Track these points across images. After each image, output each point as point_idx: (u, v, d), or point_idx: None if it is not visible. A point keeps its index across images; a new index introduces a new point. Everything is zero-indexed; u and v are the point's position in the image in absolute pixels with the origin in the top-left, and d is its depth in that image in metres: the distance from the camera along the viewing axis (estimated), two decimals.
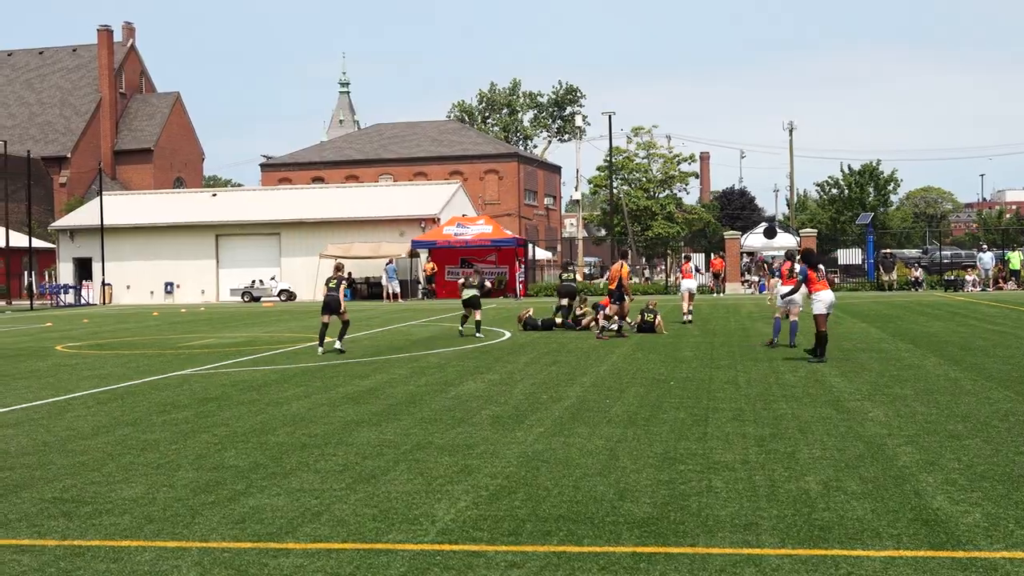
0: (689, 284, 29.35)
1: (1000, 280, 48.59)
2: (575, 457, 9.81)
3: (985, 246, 54.96)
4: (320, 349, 21.94)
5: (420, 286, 53.95)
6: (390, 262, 52.42)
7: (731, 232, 57.45)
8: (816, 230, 58.61)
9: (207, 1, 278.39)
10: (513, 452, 10.14)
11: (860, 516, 7.39)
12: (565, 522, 7.43)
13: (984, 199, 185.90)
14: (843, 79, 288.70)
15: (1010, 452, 9.54)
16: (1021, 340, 21.24)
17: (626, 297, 24.81)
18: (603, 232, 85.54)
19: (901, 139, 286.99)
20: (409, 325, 31.36)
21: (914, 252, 76.44)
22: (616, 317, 24.78)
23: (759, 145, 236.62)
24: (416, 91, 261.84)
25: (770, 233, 52.40)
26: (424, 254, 53.90)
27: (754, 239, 55.15)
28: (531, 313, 28.26)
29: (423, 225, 55.19)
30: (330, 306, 22.24)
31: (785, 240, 52.68)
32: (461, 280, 30.36)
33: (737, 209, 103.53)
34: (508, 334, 26.31)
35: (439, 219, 55.13)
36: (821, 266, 19.41)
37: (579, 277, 29.62)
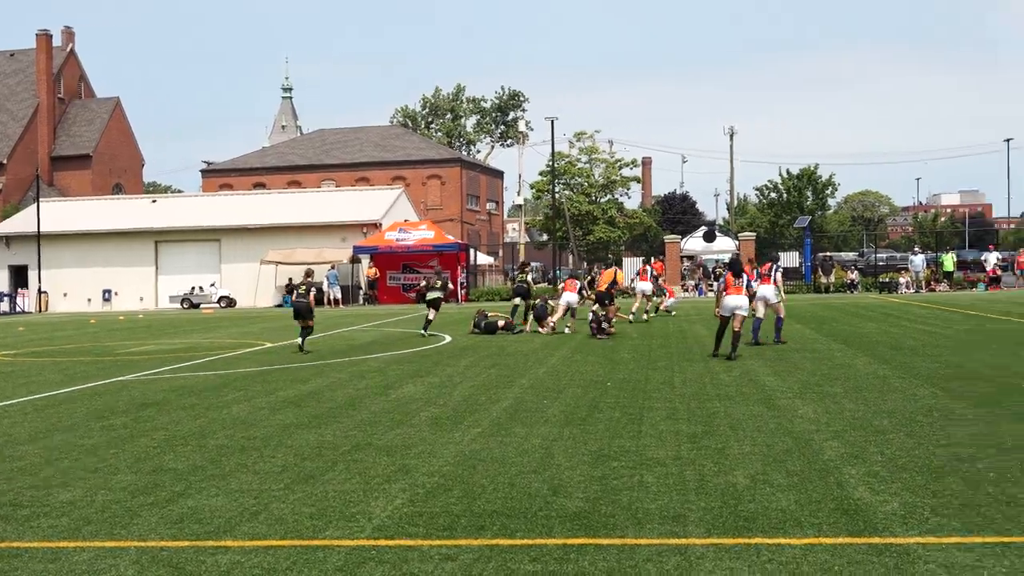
0: (644, 287, 31.29)
1: (933, 282, 49.50)
2: (511, 456, 10.00)
3: (917, 249, 55.93)
4: (302, 350, 22.97)
5: (362, 292, 53.88)
6: (332, 268, 52.30)
7: (671, 236, 58.01)
8: (755, 233, 59.30)
9: (149, 6, 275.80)
10: (450, 452, 10.30)
11: (784, 507, 7.64)
12: (499, 517, 7.61)
13: (921, 203, 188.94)
14: (784, 84, 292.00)
15: (931, 445, 9.86)
16: (949, 339, 21.75)
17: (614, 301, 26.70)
18: (545, 237, 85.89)
19: (840, 143, 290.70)
20: (351, 330, 31.38)
21: (851, 255, 77.61)
22: (604, 318, 25.70)
23: (701, 150, 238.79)
24: (360, 97, 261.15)
25: (709, 237, 53.00)
26: (366, 260, 53.84)
27: (694, 243, 55.73)
28: (488, 315, 28.31)
29: (365, 231, 55.13)
30: (300, 312, 23.28)
31: (724, 244, 53.30)
32: (424, 283, 31.84)
33: (679, 213, 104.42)
34: (449, 338, 26.44)
35: (381, 225, 55.11)
36: (744, 274, 19.87)
37: (529, 278, 30.39)
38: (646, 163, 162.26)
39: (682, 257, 55.72)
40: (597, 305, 26.56)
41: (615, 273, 27.67)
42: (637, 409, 12.83)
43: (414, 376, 17.52)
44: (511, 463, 9.63)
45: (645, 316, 30.79)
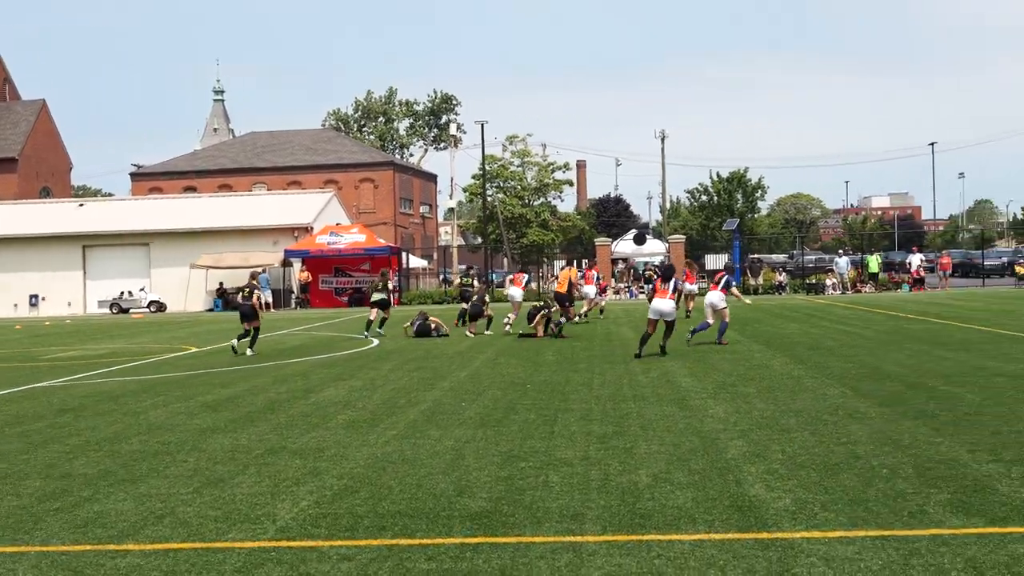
0: (589, 289, 32.75)
1: (859, 283, 50.35)
2: (422, 457, 10.11)
3: (842, 251, 56.86)
4: (249, 351, 23.38)
5: (294, 295, 53.66)
6: (263, 271, 52.02)
7: (602, 239, 58.42)
8: (685, 236, 59.92)
9: (76, 7, 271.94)
10: (363, 454, 10.39)
11: (680, 504, 7.83)
12: (401, 517, 7.73)
13: (853, 205, 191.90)
14: (716, 88, 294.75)
15: (832, 443, 10.12)
16: (866, 339, 22.20)
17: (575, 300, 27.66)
18: (479, 240, 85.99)
19: (770, 147, 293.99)
20: (280, 334, 31.28)
21: (781, 257, 78.71)
22: (563, 318, 26.30)
23: (634, 153, 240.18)
24: (293, 100, 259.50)
25: (640, 240, 53.50)
26: (297, 263, 53.64)
27: (624, 245, 56.21)
28: (429, 318, 28.34)
29: (296, 234, 54.93)
30: (245, 315, 23.77)
31: (654, 246, 53.79)
32: (367, 286, 32.41)
33: (613, 216, 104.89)
34: (376, 342, 26.48)
35: (312, 228, 54.94)
36: (674, 279, 20.37)
37: (476, 283, 31.09)
38: (581, 166, 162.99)
39: (613, 260, 56.12)
40: (557, 307, 26.85)
41: (571, 271, 28.23)
42: (552, 411, 12.99)
43: (336, 380, 17.57)
44: (421, 465, 9.74)
45: (586, 319, 31.78)
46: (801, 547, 6.63)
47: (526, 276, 30.66)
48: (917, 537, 6.76)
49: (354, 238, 53.11)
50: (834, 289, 48.97)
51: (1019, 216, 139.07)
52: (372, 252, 52.67)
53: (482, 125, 62.23)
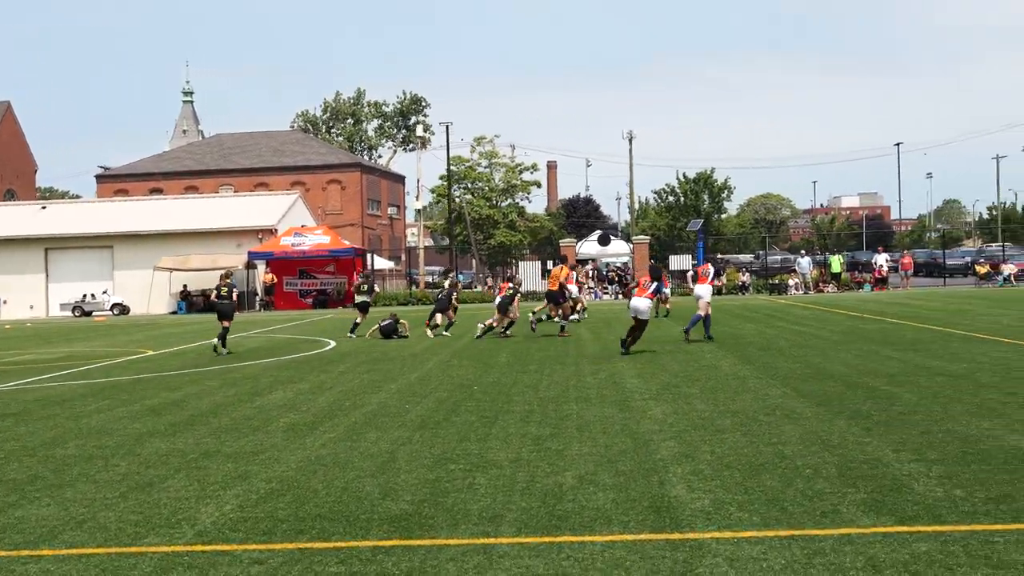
0: (571, 289, 31.89)
1: (821, 283, 50.67)
2: (355, 460, 10.13)
3: (804, 251, 57.21)
4: (223, 350, 23.86)
5: (258, 298, 53.50)
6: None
7: (567, 240, 58.53)
8: (648, 237, 60.09)
9: (43, 8, 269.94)
10: (296, 458, 10.40)
11: (600, 506, 7.88)
12: (321, 521, 7.75)
13: (822, 205, 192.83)
14: (687, 89, 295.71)
15: (762, 444, 10.20)
16: (818, 340, 22.34)
17: (568, 297, 27.85)
18: (446, 241, 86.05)
19: (744, 147, 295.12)
20: (238, 337, 31.15)
21: (748, 257, 79.02)
22: (557, 316, 26.84)
23: (604, 154, 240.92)
24: (264, 102, 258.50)
25: (604, 240, 53.66)
26: (262, 265, 53.48)
27: (589, 246, 56.34)
28: (399, 320, 28.30)
29: (260, 236, 54.77)
30: (224, 313, 24.29)
31: (619, 247, 53.95)
32: (353, 288, 33.95)
33: (583, 217, 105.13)
34: (333, 343, 26.45)
35: (277, 230, 54.79)
36: (656, 282, 21.04)
37: (446, 284, 31.29)
38: (551, 167, 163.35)
39: (580, 260, 56.20)
40: (549, 304, 27.44)
41: (562, 270, 28.23)
42: (494, 412, 13.03)
43: (286, 383, 17.54)
44: (352, 467, 9.76)
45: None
46: (709, 547, 6.70)
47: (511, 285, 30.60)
48: (824, 537, 6.83)
49: (318, 239, 53.01)
50: (797, 289, 49.25)
51: (985, 216, 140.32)
52: (337, 253, 52.59)
53: (447, 127, 62.29)
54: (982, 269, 52.00)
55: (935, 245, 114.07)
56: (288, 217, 57.03)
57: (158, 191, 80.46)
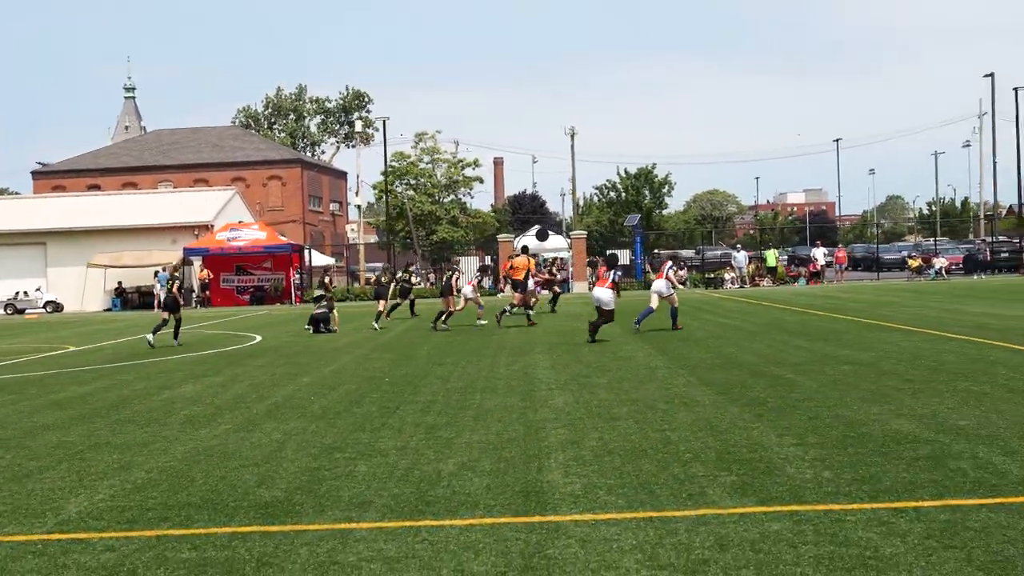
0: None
1: (757, 277, 51.08)
2: (243, 450, 10.05)
3: (740, 246, 57.66)
4: (151, 339, 24.17)
5: (194, 294, 53.03)
6: (163, 270, 51.40)
7: (504, 235, 58.51)
8: (585, 232, 60.23)
9: None
10: (184, 448, 10.31)
11: (472, 491, 7.87)
12: (188, 508, 7.68)
13: (769, 201, 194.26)
14: (628, 87, 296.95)
15: (651, 430, 10.24)
16: (737, 331, 22.48)
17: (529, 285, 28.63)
18: (388, 237, 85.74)
19: (692, 144, 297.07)
20: (165, 332, 30.87)
21: (689, 252, 79.41)
22: (522, 306, 27.82)
23: (552, 150, 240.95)
24: (208, 98, 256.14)
25: (542, 236, 53.65)
26: (198, 262, 53.02)
27: (526, 241, 56.21)
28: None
29: (196, 232, 54.30)
30: (169, 305, 24.87)
31: (557, 242, 54.03)
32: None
33: (529, 213, 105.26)
34: (259, 338, 26.28)
35: (213, 226, 54.34)
36: (613, 270, 21.62)
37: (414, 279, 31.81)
38: (498, 163, 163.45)
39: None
40: (514, 294, 28.46)
41: (529, 261, 29.26)
42: (397, 403, 12.99)
43: (198, 377, 17.40)
44: (237, 457, 9.69)
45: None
46: (565, 529, 6.71)
47: (480, 276, 31.36)
48: (681, 518, 6.87)
49: (254, 235, 52.64)
50: (733, 283, 49.60)
51: (924, 211, 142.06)
52: (273, 249, 52.28)
53: (384, 122, 62.09)
54: (915, 263, 52.65)
55: (881, 240, 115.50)
56: (225, 213, 56.58)
57: (96, 187, 79.45)
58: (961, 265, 58.73)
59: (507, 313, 27.56)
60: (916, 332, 20.30)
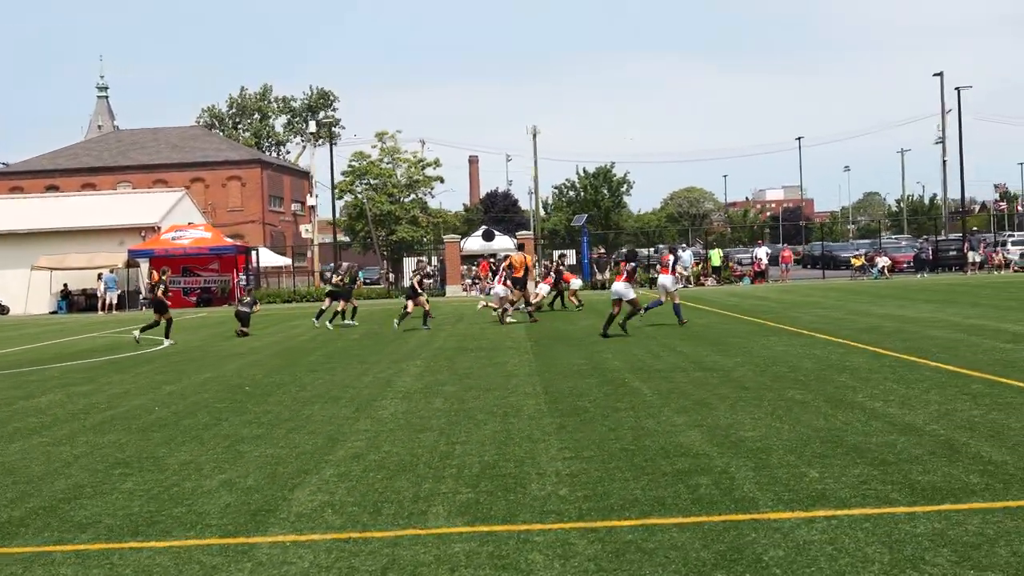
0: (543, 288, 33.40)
1: (702, 276, 51.13)
2: (31, 466, 10.01)
3: (684, 245, 57.72)
4: (137, 337, 25.69)
5: (141, 296, 52.85)
6: (111, 272, 51.26)
7: (451, 236, 58.55)
8: (531, 233, 60.33)
9: None
10: None
11: (205, 510, 7.85)
12: None
13: (748, 198, 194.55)
14: (597, 86, 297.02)
15: (444, 443, 10.21)
16: (633, 335, 22.37)
17: (529, 283, 29.50)
18: (348, 238, 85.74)
19: (667, 142, 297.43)
20: (84, 337, 30.83)
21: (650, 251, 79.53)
22: (523, 303, 28.68)
23: (526, 149, 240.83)
24: (182, 97, 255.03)
25: (488, 236, 53.79)
26: (145, 263, 52.83)
27: (473, 242, 56.46)
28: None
29: (143, 234, 54.13)
30: (158, 308, 26.08)
31: (503, 243, 54.04)
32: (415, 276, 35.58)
33: (501, 212, 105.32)
34: (168, 342, 26.22)
35: (160, 227, 54.19)
36: (632, 263, 23.63)
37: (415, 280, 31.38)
38: (473, 162, 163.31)
39: (463, 257, 56.29)
40: (515, 291, 28.96)
41: (526, 258, 29.92)
42: (231, 413, 12.97)
43: (68, 385, 17.32)
44: (17, 473, 9.66)
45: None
46: (255, 553, 6.71)
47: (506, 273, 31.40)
48: (385, 538, 6.88)
49: (199, 236, 52.51)
50: (677, 282, 49.50)
51: (893, 208, 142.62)
52: (218, 251, 52.15)
53: (330, 125, 62.13)
54: (857, 262, 52.79)
55: (855, 237, 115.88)
56: (173, 214, 56.38)
57: (54, 188, 79.14)
58: (911, 264, 58.95)
59: (508, 312, 28.16)
60: (803, 335, 20.36)
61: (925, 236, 65.43)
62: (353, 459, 9.63)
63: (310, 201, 67.21)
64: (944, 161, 60.14)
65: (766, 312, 27.85)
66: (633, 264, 23.15)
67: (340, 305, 29.77)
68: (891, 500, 7.28)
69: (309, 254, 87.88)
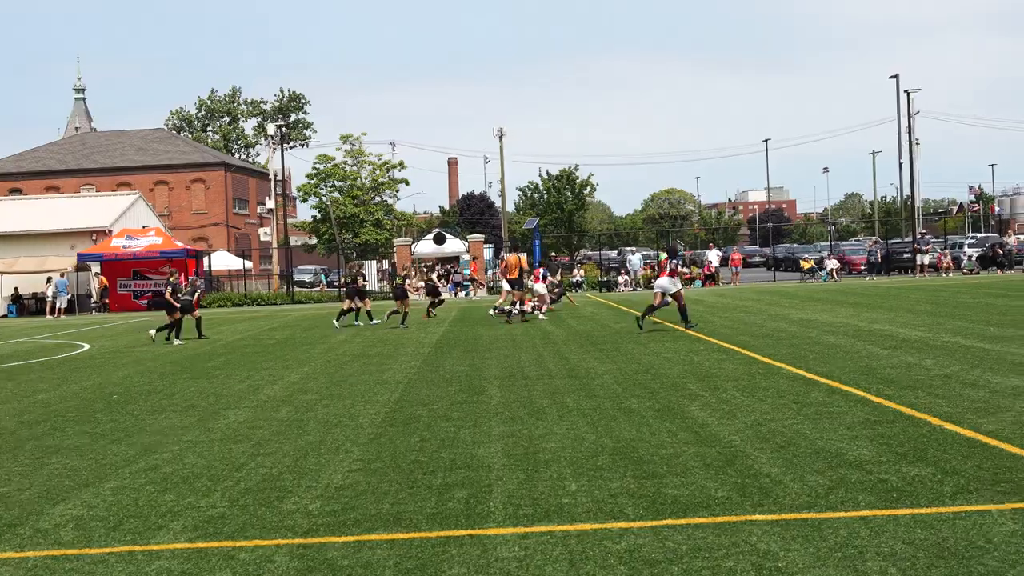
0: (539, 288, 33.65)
1: (653, 280, 51.09)
2: None
3: (634, 248, 57.83)
4: (154, 338, 26.68)
5: (92, 300, 52.73)
6: (61, 275, 51.05)
7: (401, 239, 58.55)
8: (483, 236, 60.45)
9: None
10: None
11: (122, 509, 7.85)
12: None
13: (731, 199, 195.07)
14: (568, 87, 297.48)
15: (248, 456, 10.24)
16: (536, 341, 22.36)
17: (527, 283, 29.94)
18: (313, 240, 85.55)
19: (644, 142, 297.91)
20: (13, 342, 30.70)
21: (612, 254, 79.64)
22: (519, 303, 28.82)
23: (507, 151, 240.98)
24: (159, 99, 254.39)
25: (439, 239, 53.78)
26: (96, 267, 52.72)
27: (424, 245, 56.44)
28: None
29: (95, 237, 53.98)
30: (184, 308, 27.03)
31: (455, 246, 54.05)
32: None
33: (477, 214, 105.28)
34: (86, 346, 26.14)
35: (111, 231, 54.05)
36: (674, 259, 23.69)
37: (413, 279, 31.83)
38: (452, 163, 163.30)
39: (414, 260, 56.26)
40: (512, 292, 29.36)
41: (520, 259, 30.05)
42: (75, 423, 12.95)
43: None
44: None
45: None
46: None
47: (543, 271, 31.54)
48: (124, 553, 6.89)
49: (150, 240, 52.38)
50: (626, 286, 49.66)
51: (867, 210, 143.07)
52: (168, 255, 52.01)
53: (280, 128, 62.00)
54: (806, 264, 52.91)
55: (834, 238, 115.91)
56: (126, 218, 56.23)
57: (17, 191, 78.92)
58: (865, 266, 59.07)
59: (513, 313, 28.60)
60: (701, 340, 20.38)
61: (875, 239, 65.43)
62: (147, 471, 9.63)
63: (268, 204, 67.00)
64: (900, 164, 60.26)
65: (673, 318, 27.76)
66: (675, 260, 23.59)
67: (346, 304, 30.36)
68: (623, 515, 7.30)
69: (274, 257, 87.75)
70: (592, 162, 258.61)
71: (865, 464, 8.54)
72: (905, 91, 57.70)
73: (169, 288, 27.29)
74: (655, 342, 20.72)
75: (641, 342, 20.84)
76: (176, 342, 26.02)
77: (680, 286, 23.62)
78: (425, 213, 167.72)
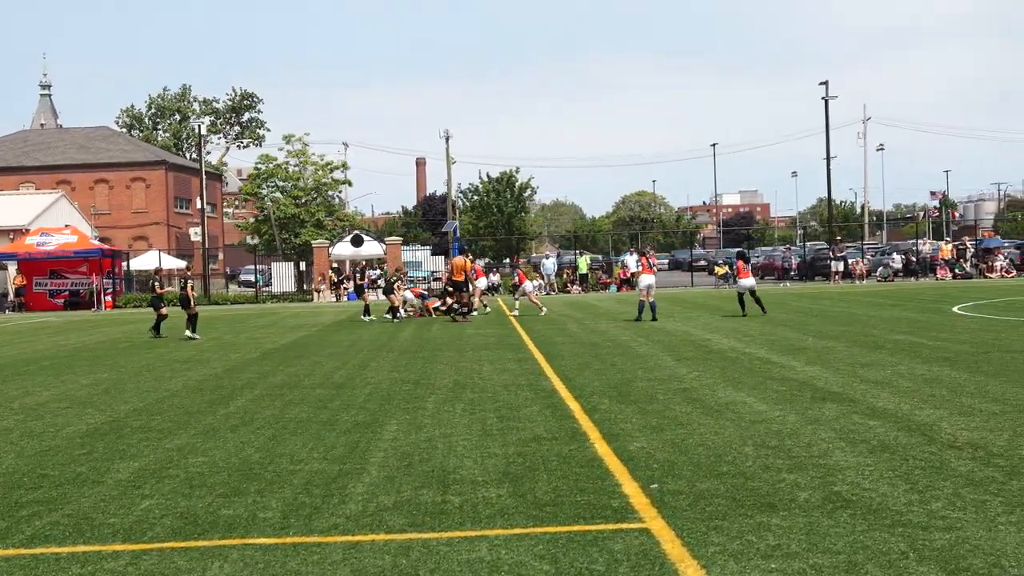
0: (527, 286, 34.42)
1: (569, 284, 51.50)
2: None
3: (548, 253, 58.18)
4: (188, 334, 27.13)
5: (8, 299, 52.68)
6: None
7: (319, 240, 58.68)
8: (400, 239, 60.73)
9: None
10: None
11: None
12: None
13: (705, 202, 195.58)
14: (568, 88, 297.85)
15: (81, 455, 10.52)
16: (419, 345, 22.53)
17: (471, 286, 31.47)
18: (255, 240, 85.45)
19: (622, 143, 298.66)
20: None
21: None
22: (461, 304, 30.21)
23: (467, 153, 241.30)
24: (128, 95, 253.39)
25: (357, 242, 53.95)
26: (12, 266, 52.69)
27: (342, 247, 56.62)
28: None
29: (12, 236, 53.92)
30: (181, 303, 28.58)
31: (372, 248, 54.22)
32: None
33: (439, 214, 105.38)
34: (195, 336, 26.84)
35: (28, 230, 54.04)
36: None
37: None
38: (420, 164, 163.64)
39: (332, 262, 56.38)
40: (456, 293, 30.69)
41: (465, 262, 31.22)
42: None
43: None
44: None
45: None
46: None
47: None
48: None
49: (64, 239, 52.51)
50: (540, 290, 49.90)
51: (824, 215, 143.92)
52: (83, 254, 52.13)
53: (199, 127, 61.94)
54: (720, 270, 53.31)
55: (774, 243, 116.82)
56: (47, 217, 56.21)
57: None
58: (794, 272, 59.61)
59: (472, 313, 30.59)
60: (524, 351, 20.53)
61: (788, 246, 66.03)
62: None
63: (198, 204, 66.94)
64: (828, 170, 60.82)
65: (552, 324, 27.95)
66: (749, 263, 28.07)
67: (393, 300, 32.12)
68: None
69: (220, 255, 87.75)
70: (567, 164, 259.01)
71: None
72: (823, 98, 58.20)
73: (189, 284, 28.33)
74: (515, 351, 20.85)
75: (498, 351, 20.95)
76: (194, 337, 26.81)
77: (753, 282, 28.43)
78: (387, 214, 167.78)
